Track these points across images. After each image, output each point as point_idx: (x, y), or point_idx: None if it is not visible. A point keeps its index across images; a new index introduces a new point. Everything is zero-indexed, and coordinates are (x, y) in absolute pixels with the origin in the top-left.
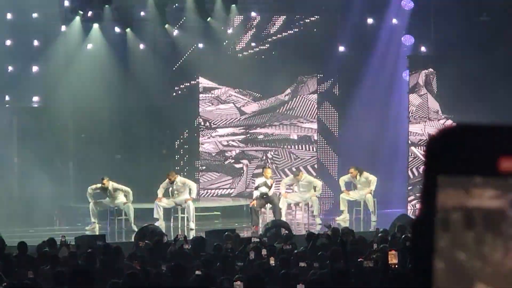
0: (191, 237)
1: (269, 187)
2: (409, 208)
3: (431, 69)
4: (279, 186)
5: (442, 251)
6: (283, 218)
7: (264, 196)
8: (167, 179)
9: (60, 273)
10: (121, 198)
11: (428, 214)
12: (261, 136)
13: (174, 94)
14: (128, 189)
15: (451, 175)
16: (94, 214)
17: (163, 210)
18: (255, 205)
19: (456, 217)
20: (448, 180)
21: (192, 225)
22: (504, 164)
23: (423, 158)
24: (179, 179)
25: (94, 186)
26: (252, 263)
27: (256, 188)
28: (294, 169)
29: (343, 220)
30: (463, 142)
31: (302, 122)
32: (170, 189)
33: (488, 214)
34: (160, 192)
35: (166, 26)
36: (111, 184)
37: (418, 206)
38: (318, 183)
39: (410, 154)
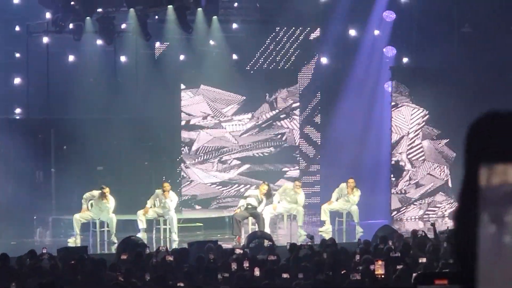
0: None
1: (259, 202)
2: (392, 218)
3: (413, 81)
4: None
5: (485, 232)
6: (267, 229)
7: (249, 206)
8: (162, 190)
9: (43, 285)
10: (106, 210)
11: (470, 202)
12: (242, 150)
13: (156, 106)
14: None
15: (492, 162)
16: (78, 225)
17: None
18: (237, 215)
19: (500, 194)
20: (491, 162)
21: (175, 236)
22: None
23: (464, 149)
24: (171, 193)
25: (90, 194)
26: (235, 275)
27: (245, 197)
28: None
29: (325, 231)
30: (503, 129)
31: (284, 135)
32: (158, 201)
33: None
34: (149, 204)
35: (148, 38)
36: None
37: (459, 193)
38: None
39: (392, 164)
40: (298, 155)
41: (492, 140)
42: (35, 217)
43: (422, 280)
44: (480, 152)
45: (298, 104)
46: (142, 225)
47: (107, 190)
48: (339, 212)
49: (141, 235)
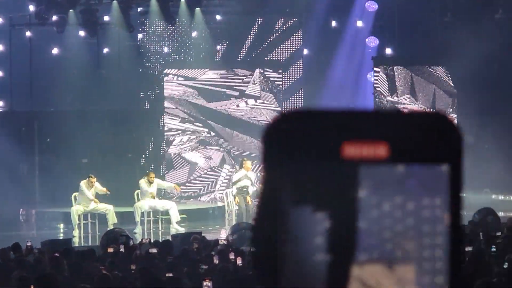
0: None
1: (251, 181)
2: None
3: (396, 70)
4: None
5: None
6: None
7: (244, 190)
8: (146, 179)
9: (26, 278)
10: (102, 205)
11: (269, 207)
12: (223, 138)
13: (140, 97)
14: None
15: (291, 163)
16: (75, 220)
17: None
18: (240, 203)
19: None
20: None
21: (177, 226)
22: (347, 150)
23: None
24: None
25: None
26: (218, 266)
27: (235, 183)
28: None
29: None
30: (302, 128)
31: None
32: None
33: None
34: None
35: (131, 30)
36: (96, 185)
37: (257, 199)
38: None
39: None
40: None
41: (291, 141)
42: (18, 210)
43: None
44: (279, 154)
45: (280, 94)
46: (137, 217)
47: (94, 179)
48: None
49: (137, 228)
